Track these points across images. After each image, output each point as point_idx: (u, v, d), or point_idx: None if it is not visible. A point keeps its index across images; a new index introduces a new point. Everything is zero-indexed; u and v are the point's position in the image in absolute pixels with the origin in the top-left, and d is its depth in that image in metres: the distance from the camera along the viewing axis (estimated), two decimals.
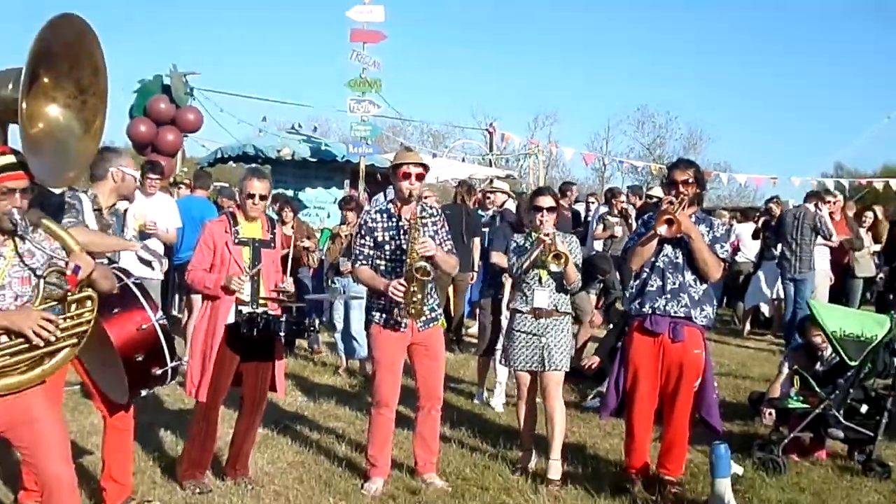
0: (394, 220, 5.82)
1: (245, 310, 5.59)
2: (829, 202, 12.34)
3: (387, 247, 5.80)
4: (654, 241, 5.67)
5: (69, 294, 4.04)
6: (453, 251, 6.02)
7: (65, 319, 4.02)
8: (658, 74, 70.33)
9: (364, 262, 5.87)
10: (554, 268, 5.86)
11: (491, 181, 16.80)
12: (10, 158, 3.91)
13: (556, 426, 6.06)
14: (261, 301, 5.65)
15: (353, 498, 5.66)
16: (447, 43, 73.54)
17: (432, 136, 38.63)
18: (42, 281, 4.04)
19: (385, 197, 12.50)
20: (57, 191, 5.23)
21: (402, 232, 5.73)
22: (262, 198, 5.84)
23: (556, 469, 6.03)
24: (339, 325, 9.92)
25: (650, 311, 5.74)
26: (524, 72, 73.54)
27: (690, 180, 5.72)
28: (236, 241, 5.68)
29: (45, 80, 4.12)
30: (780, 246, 12.23)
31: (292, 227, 11.05)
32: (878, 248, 13.80)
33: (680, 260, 5.73)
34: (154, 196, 9.10)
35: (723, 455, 5.44)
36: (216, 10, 73.27)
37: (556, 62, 73.35)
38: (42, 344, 3.91)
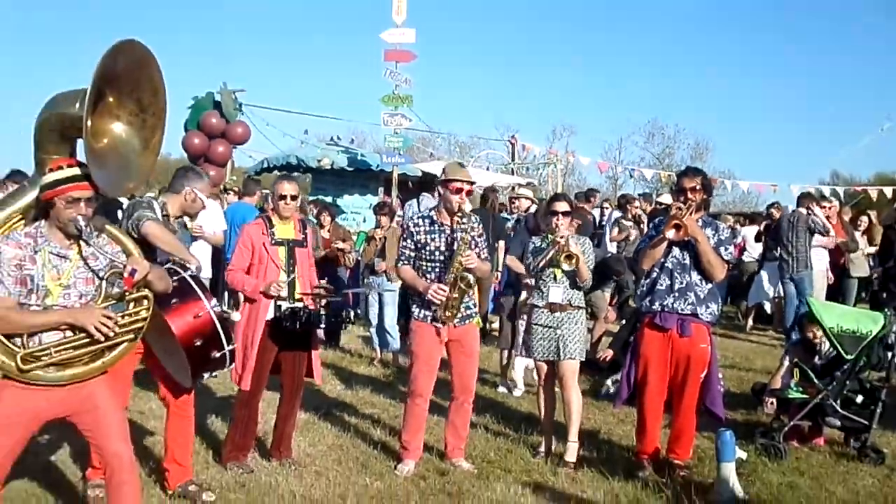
0: (435, 226, 5.88)
1: (285, 305, 5.67)
2: (825, 207, 12.31)
3: (426, 249, 5.87)
4: (664, 244, 5.71)
5: (127, 294, 4.11)
6: (488, 258, 6.07)
7: (123, 317, 4.08)
8: (667, 89, 70.23)
9: (406, 262, 5.96)
10: (566, 267, 5.97)
11: (513, 188, 16.81)
12: (76, 170, 3.98)
13: (572, 412, 6.12)
14: (297, 296, 5.73)
15: (388, 478, 5.73)
16: (472, 61, 73.75)
17: (459, 146, 38.51)
18: (104, 282, 4.12)
19: (418, 203, 12.58)
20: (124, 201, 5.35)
21: (442, 237, 5.81)
22: (293, 198, 5.92)
23: (572, 452, 6.09)
24: (374, 320, 9.99)
25: (660, 309, 5.78)
26: (543, 87, 73.58)
27: (698, 187, 5.75)
28: (273, 241, 5.76)
29: (110, 99, 4.17)
30: (779, 248, 12.22)
31: (329, 231, 11.26)
32: (872, 250, 13.70)
33: (687, 261, 5.76)
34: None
35: (728, 441, 5.45)
36: (264, 33, 74.10)
37: (573, 78, 73.45)
38: (102, 338, 3.98)
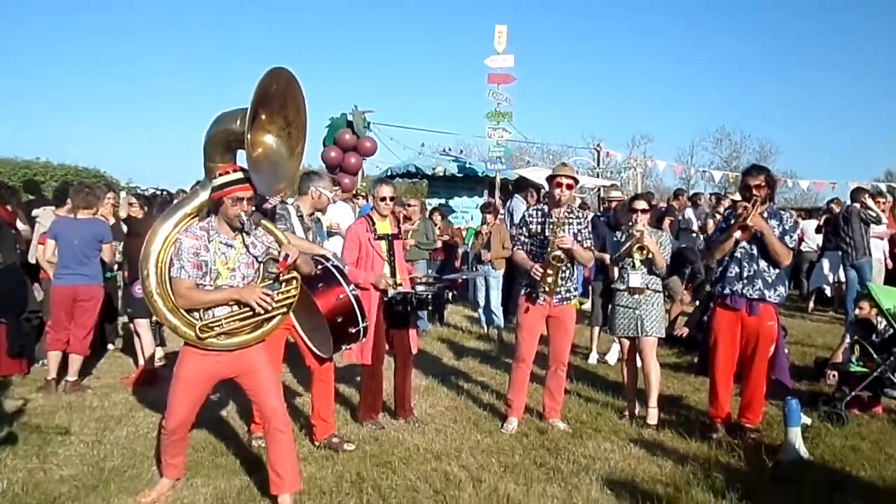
0: (544, 217, 5.91)
1: (392, 292, 5.78)
2: (879, 202, 11.80)
3: (537, 238, 5.90)
4: (732, 240, 5.60)
5: (280, 275, 4.27)
6: (592, 248, 6.03)
7: (278, 294, 4.24)
8: (734, 98, 68.11)
9: (521, 247, 6.01)
10: (639, 257, 5.97)
11: (599, 190, 16.67)
12: (240, 175, 4.15)
13: (651, 381, 6.04)
14: (400, 281, 5.86)
15: (496, 435, 5.77)
16: (562, 80, 72.85)
17: (551, 154, 38.15)
18: (262, 265, 4.27)
19: (517, 203, 12.58)
20: (272, 202, 5.49)
21: (549, 226, 5.80)
22: (391, 199, 6.01)
23: (653, 416, 6.02)
24: (482, 301, 10.03)
25: (730, 293, 5.66)
26: (623, 100, 72.08)
27: (762, 184, 5.57)
28: (375, 237, 5.85)
29: (263, 116, 4.30)
30: (833, 241, 11.88)
31: (439, 228, 11.65)
32: None
33: (755, 251, 5.60)
34: (336, 204, 9.43)
35: (794, 408, 5.32)
36: (389, 63, 74.68)
37: (649, 91, 71.77)
38: (262, 312, 4.14)
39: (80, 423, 5.98)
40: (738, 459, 5.24)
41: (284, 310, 4.34)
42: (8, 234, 7.67)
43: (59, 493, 4.58)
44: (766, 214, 5.61)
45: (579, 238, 5.87)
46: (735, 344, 5.70)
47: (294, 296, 4.37)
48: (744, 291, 5.60)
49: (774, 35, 67.63)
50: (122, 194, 9.64)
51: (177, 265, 4.09)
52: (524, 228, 6.03)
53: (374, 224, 5.91)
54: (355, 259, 5.82)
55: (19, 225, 8.41)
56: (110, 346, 8.81)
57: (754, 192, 5.56)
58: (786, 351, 6.18)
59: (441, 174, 17.70)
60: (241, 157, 4.33)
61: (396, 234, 6.00)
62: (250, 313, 4.16)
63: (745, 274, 5.61)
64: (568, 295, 5.92)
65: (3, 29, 65.34)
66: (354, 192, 13.42)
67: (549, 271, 5.66)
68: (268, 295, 4.16)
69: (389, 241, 5.90)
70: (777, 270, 5.63)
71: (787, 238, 5.61)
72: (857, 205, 11.38)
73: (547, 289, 5.71)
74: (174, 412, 4.28)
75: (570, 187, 5.86)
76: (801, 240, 13.84)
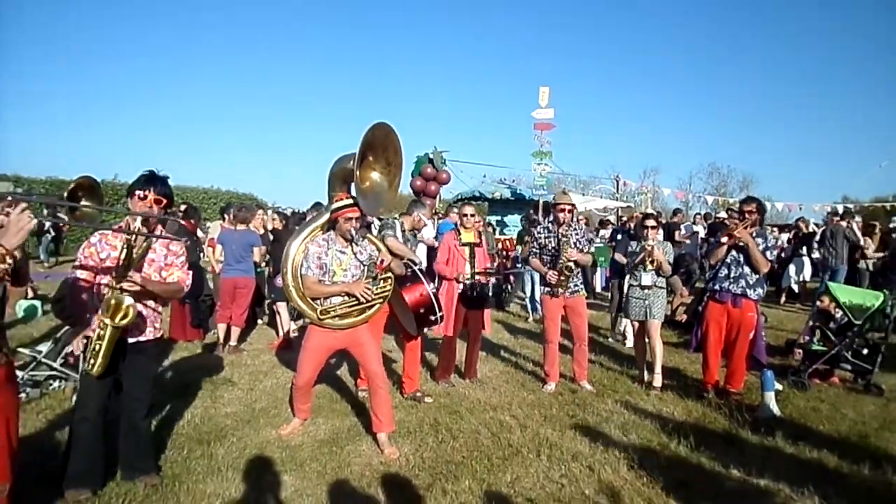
0: (551, 232, 5.82)
1: (468, 283, 5.74)
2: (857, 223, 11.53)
3: (545, 248, 5.82)
4: (725, 248, 5.47)
5: (378, 274, 4.29)
6: (589, 251, 5.88)
7: (376, 288, 4.27)
8: (722, 138, 65.54)
9: (534, 256, 5.94)
10: (649, 266, 5.83)
11: (618, 210, 16.33)
12: (350, 200, 4.19)
13: (656, 354, 5.87)
14: (476, 275, 5.78)
15: (538, 393, 5.68)
16: (590, 123, 71.31)
17: (581, 182, 37.45)
18: (366, 267, 4.30)
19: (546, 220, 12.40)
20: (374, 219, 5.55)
21: (553, 239, 5.76)
22: (472, 216, 5.97)
23: (658, 381, 5.83)
24: (528, 292, 9.93)
25: (719, 289, 5.50)
26: (637, 140, 70.24)
27: (753, 210, 5.46)
28: (460, 244, 5.81)
29: (370, 158, 4.32)
30: (819, 249, 11.56)
31: (496, 238, 11.54)
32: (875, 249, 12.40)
33: (741, 259, 5.43)
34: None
35: (769, 377, 5.16)
36: (460, 114, 74.58)
37: (657, 133, 69.77)
38: (365, 301, 4.18)
39: (238, 376, 6.13)
40: (724, 415, 5.04)
41: (381, 300, 4.36)
42: (191, 240, 7.93)
43: (225, 424, 4.71)
44: (755, 233, 5.43)
45: (579, 246, 5.77)
46: (722, 328, 5.53)
47: (389, 290, 4.39)
48: (730, 288, 5.44)
49: (756, 81, 65.14)
50: (269, 212, 9.83)
51: (305, 265, 4.16)
52: (535, 242, 5.94)
53: (459, 234, 5.88)
54: (445, 259, 5.80)
55: (199, 233, 8.68)
56: (259, 321, 8.96)
57: (746, 215, 5.46)
58: (763, 334, 5.91)
59: (498, 198, 17.62)
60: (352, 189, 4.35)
61: (477, 243, 5.94)
62: (356, 302, 4.20)
63: (732, 275, 5.45)
64: (576, 288, 5.80)
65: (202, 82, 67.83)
66: (434, 211, 13.43)
67: (563, 278, 5.65)
68: (369, 289, 4.20)
69: (471, 247, 5.85)
70: (757, 275, 5.42)
71: (767, 253, 5.42)
72: (845, 223, 11.15)
73: (562, 288, 5.69)
74: (302, 373, 4.34)
75: (569, 211, 5.77)
76: (782, 249, 13.32)
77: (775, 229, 15.40)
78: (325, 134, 72.79)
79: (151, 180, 3.49)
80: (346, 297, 4.21)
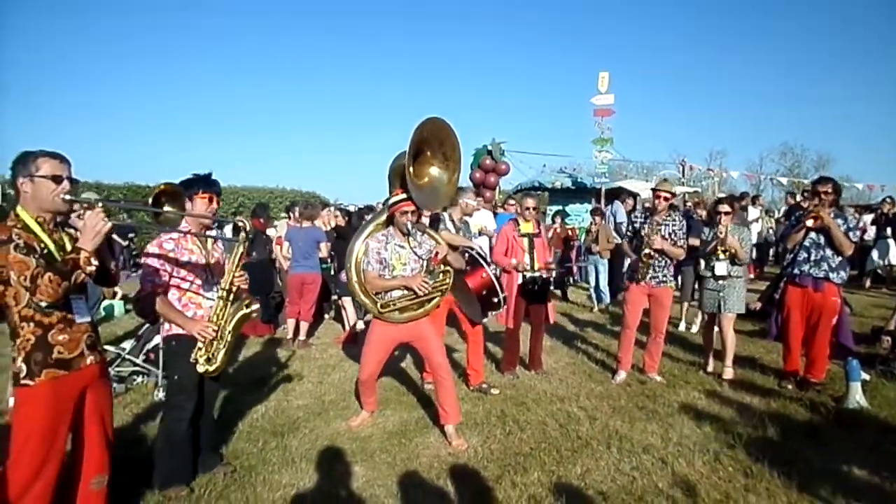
0: (646, 218, 5.67)
1: (529, 275, 5.67)
2: None
3: (639, 233, 5.65)
4: (803, 231, 5.23)
5: (436, 268, 4.32)
6: (683, 246, 5.63)
7: (434, 282, 4.29)
8: (794, 116, 62.27)
9: (626, 239, 5.85)
10: (721, 255, 5.61)
11: (684, 196, 15.82)
12: (404, 195, 4.18)
13: (728, 346, 5.68)
14: (537, 269, 5.70)
15: (606, 384, 5.58)
16: (652, 107, 69.05)
17: (644, 169, 36.34)
18: (424, 261, 4.31)
19: (617, 207, 12.13)
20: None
21: (649, 226, 5.58)
22: (535, 209, 5.87)
23: (728, 373, 5.63)
24: (593, 283, 9.76)
25: (798, 273, 5.26)
26: (702, 122, 67.66)
27: (829, 190, 5.18)
28: (519, 234, 5.75)
29: (427, 153, 4.30)
30: None
31: (559, 227, 11.60)
32: None
33: (822, 241, 5.18)
34: (480, 212, 9.39)
35: (855, 367, 4.86)
36: (520, 104, 73.80)
37: (723, 114, 66.94)
38: (423, 295, 4.20)
39: (308, 369, 6.28)
40: (805, 407, 4.80)
41: (440, 293, 4.37)
42: (261, 238, 8.15)
43: (297, 416, 4.84)
44: (833, 215, 5.15)
45: (673, 238, 5.54)
46: (802, 315, 5.28)
47: (447, 283, 4.40)
48: (810, 272, 5.19)
49: (830, 57, 61.49)
50: (333, 209, 10.02)
51: (366, 261, 4.22)
52: (630, 226, 5.82)
53: (518, 225, 5.84)
54: (504, 249, 5.76)
55: (269, 231, 8.94)
56: (326, 316, 9.11)
57: (822, 196, 5.19)
58: (849, 320, 5.60)
59: (559, 187, 17.32)
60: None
61: (537, 234, 5.87)
62: (415, 295, 4.23)
63: (812, 258, 5.20)
64: (664, 279, 5.59)
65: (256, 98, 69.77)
66: (494, 202, 13.36)
67: (642, 264, 5.47)
68: (426, 282, 4.23)
69: (531, 238, 5.79)
70: (840, 258, 5.14)
71: (850, 234, 5.12)
72: None
73: (641, 276, 5.50)
74: (366, 366, 4.42)
75: (666, 199, 5.57)
76: (864, 231, 12.58)
77: (855, 211, 14.55)
78: (387, 130, 73.69)
79: (211, 182, 3.60)
80: (406, 291, 4.24)
